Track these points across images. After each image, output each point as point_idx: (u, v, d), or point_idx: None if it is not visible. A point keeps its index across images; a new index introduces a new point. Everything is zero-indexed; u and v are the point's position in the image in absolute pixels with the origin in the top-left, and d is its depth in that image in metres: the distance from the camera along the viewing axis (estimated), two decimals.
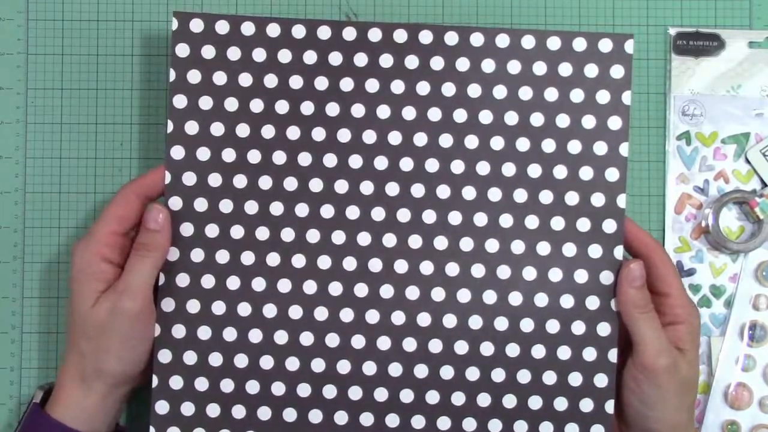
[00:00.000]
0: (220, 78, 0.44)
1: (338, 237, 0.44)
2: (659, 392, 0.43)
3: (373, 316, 0.44)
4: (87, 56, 0.52)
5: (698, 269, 0.52)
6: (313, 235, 0.44)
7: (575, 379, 0.44)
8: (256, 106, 0.44)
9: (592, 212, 0.45)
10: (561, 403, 0.44)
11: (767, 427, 0.51)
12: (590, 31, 0.46)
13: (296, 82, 0.45)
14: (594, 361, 0.44)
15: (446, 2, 0.52)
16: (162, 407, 0.44)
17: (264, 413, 0.44)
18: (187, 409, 0.44)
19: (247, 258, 0.44)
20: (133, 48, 0.52)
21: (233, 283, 0.44)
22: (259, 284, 0.44)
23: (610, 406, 0.45)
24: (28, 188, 0.51)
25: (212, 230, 0.44)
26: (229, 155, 0.44)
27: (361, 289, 0.44)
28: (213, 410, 0.44)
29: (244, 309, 0.44)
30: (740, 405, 0.51)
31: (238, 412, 0.44)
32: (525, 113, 0.45)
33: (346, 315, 0.44)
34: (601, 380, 0.44)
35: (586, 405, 0.44)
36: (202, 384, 0.44)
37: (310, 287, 0.44)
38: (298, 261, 0.44)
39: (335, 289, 0.44)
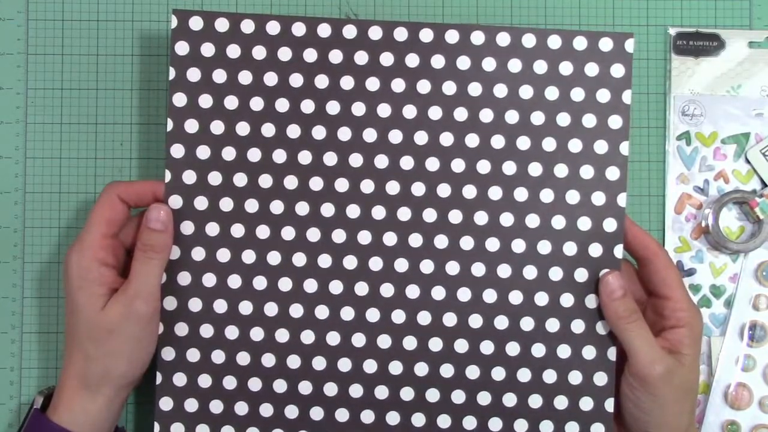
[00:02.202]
0: (219, 76, 0.44)
1: (339, 236, 0.44)
2: (654, 399, 0.43)
3: (373, 315, 0.44)
4: (87, 56, 0.52)
5: (698, 269, 0.52)
6: (313, 234, 0.44)
7: (575, 377, 0.44)
8: (257, 104, 0.44)
9: (593, 211, 0.45)
10: (561, 402, 0.44)
11: (767, 427, 0.51)
12: (591, 30, 0.46)
13: (296, 80, 0.45)
14: (593, 359, 0.44)
15: (446, 2, 0.52)
16: (166, 404, 0.44)
17: (266, 410, 0.44)
18: (191, 405, 0.44)
19: (248, 256, 0.44)
20: (133, 48, 0.52)
21: (234, 281, 0.44)
22: (260, 283, 0.44)
23: (609, 405, 0.45)
24: (28, 188, 0.51)
25: (213, 229, 0.44)
26: (229, 153, 0.44)
27: (361, 288, 0.44)
28: (216, 407, 0.44)
29: (246, 307, 0.44)
30: (740, 405, 0.51)
31: (241, 408, 0.44)
32: (526, 112, 0.45)
33: (347, 313, 0.44)
34: (600, 378, 0.45)
35: (586, 403, 0.44)
36: (205, 381, 0.44)
37: (310, 286, 0.44)
38: (299, 259, 0.44)
39: (336, 287, 0.44)
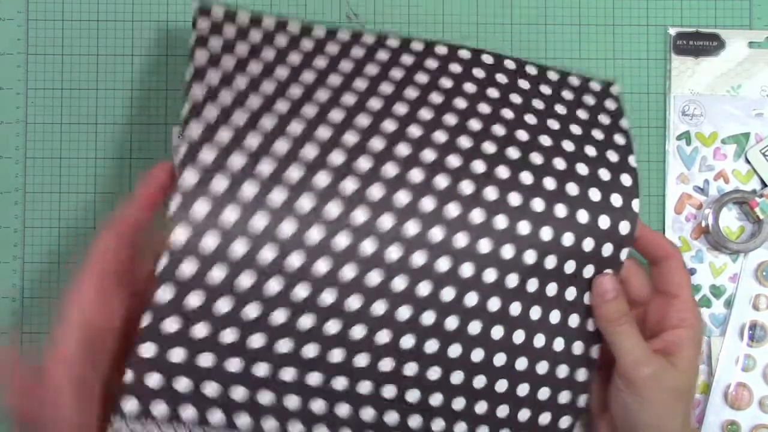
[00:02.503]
0: (242, 49, 0.43)
1: (360, 215, 0.42)
2: (641, 401, 0.42)
3: (379, 307, 0.42)
4: (87, 56, 0.52)
5: (698, 269, 0.52)
6: (333, 209, 0.41)
7: (563, 371, 0.44)
8: (282, 72, 0.43)
9: (612, 211, 0.44)
10: (544, 393, 0.44)
11: (767, 427, 0.51)
12: (580, 74, 0.48)
13: (321, 62, 0.44)
14: (580, 355, 0.44)
15: (446, 2, 0.52)
16: (148, 350, 0.40)
17: (262, 369, 0.42)
18: (177, 355, 0.40)
19: (259, 221, 0.40)
20: (133, 48, 0.52)
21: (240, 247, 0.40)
22: (264, 256, 0.41)
23: (583, 400, 0.45)
24: (28, 188, 0.51)
25: (221, 183, 0.40)
26: (241, 117, 0.41)
27: (373, 277, 0.42)
28: (206, 360, 0.41)
29: (248, 277, 0.41)
30: (740, 405, 0.51)
31: (234, 365, 0.41)
32: (542, 118, 0.45)
33: (353, 302, 0.42)
34: (582, 374, 0.45)
35: (564, 397, 0.45)
36: (200, 331, 0.40)
37: (321, 266, 0.41)
38: (317, 233, 0.41)
39: (349, 272, 0.42)
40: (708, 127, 0.52)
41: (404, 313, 0.43)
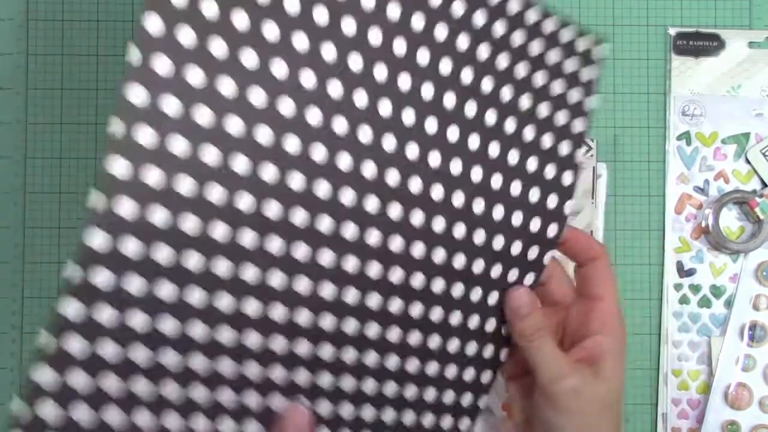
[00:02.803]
0: None
1: (344, 161, 0.37)
2: (565, 417, 0.39)
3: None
4: (87, 56, 0.52)
5: (698, 269, 0.52)
6: (318, 152, 0.36)
7: (469, 373, 0.43)
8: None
9: (545, 213, 0.42)
10: (449, 396, 0.43)
11: (767, 427, 0.51)
12: (574, 29, 0.42)
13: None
14: (489, 358, 0.43)
15: None
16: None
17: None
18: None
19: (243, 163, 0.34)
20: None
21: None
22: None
23: (482, 402, 0.43)
24: (28, 188, 0.51)
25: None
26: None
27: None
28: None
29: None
30: (740, 405, 0.51)
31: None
32: (518, 94, 0.41)
33: (324, 257, 0.37)
34: (486, 376, 0.43)
35: (467, 399, 0.43)
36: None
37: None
38: (297, 182, 0.36)
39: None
40: (708, 127, 0.52)
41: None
